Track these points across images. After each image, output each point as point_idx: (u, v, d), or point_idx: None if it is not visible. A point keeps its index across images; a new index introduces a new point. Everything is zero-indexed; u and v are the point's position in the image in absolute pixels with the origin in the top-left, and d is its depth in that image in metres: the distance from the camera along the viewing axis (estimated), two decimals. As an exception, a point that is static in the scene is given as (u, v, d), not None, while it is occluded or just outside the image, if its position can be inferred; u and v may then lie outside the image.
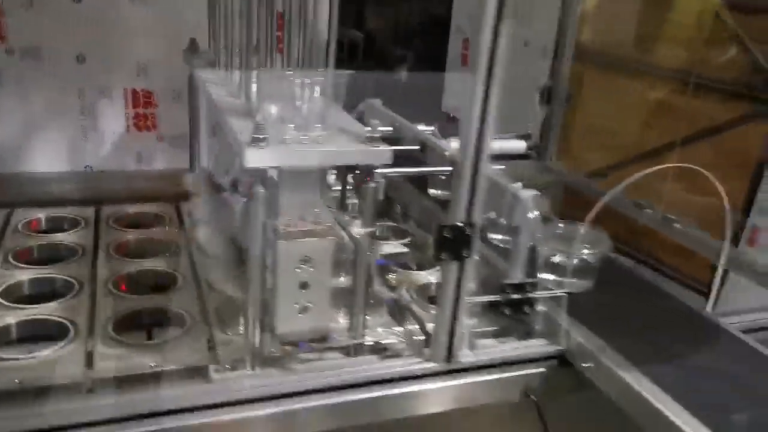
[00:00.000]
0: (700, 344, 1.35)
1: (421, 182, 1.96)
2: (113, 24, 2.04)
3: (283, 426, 1.20)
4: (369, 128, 1.18)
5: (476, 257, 1.22)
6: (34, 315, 1.41)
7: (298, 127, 1.18)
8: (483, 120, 1.11)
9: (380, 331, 1.35)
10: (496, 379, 1.33)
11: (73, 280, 1.56)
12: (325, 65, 2.04)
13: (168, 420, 1.13)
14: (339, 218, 1.28)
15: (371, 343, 1.32)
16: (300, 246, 1.14)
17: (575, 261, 1.53)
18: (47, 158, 2.08)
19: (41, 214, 1.91)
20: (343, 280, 1.34)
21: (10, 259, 1.64)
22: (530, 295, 1.33)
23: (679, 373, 1.24)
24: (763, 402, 1.18)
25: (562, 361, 1.36)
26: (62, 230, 1.84)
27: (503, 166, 1.60)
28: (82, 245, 1.74)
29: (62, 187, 2.06)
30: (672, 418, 1.10)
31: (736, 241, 2.04)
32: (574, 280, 1.51)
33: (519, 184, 1.42)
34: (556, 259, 1.48)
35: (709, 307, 1.48)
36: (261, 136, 1.07)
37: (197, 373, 1.25)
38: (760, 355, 1.32)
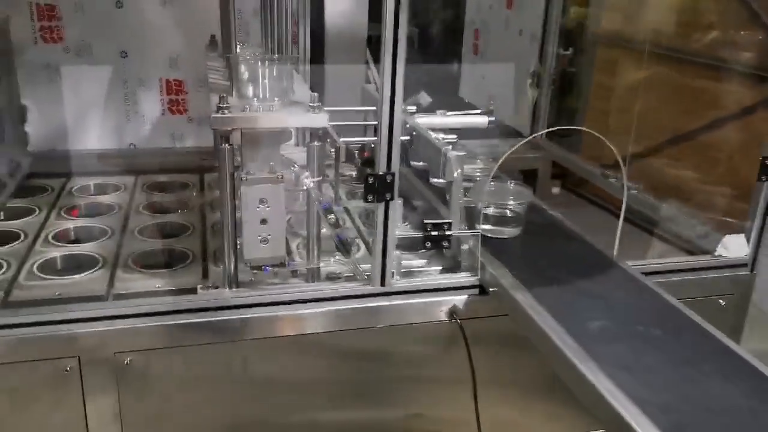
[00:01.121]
0: (592, 277, 1.62)
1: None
2: (149, 24, 2.46)
3: (251, 329, 1.57)
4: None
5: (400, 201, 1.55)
6: (73, 251, 1.84)
7: (261, 99, 1.54)
8: (393, 88, 1.43)
9: (332, 261, 1.71)
10: (425, 303, 1.65)
11: (107, 228, 1.98)
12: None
13: (163, 318, 1.51)
14: (300, 171, 1.62)
15: (326, 272, 1.68)
16: (258, 190, 1.50)
17: (507, 212, 1.83)
18: (98, 137, 2.53)
19: (91, 182, 2.36)
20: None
21: (63, 214, 2.08)
22: (447, 232, 1.64)
23: (561, 296, 1.52)
24: (620, 317, 1.44)
25: (483, 290, 1.67)
26: (105, 193, 2.29)
27: (455, 136, 1.92)
28: (119, 204, 2.17)
29: (109, 161, 2.50)
30: (539, 322, 1.40)
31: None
32: (505, 228, 1.82)
33: (450, 147, 1.73)
34: (490, 210, 1.79)
35: (615, 251, 1.74)
36: (223, 106, 1.43)
37: (190, 292, 1.64)
38: (642, 285, 1.59)
